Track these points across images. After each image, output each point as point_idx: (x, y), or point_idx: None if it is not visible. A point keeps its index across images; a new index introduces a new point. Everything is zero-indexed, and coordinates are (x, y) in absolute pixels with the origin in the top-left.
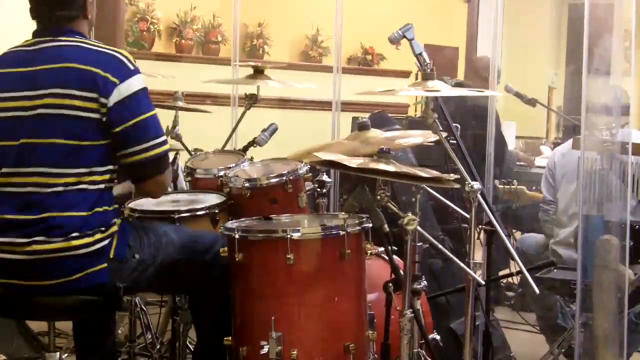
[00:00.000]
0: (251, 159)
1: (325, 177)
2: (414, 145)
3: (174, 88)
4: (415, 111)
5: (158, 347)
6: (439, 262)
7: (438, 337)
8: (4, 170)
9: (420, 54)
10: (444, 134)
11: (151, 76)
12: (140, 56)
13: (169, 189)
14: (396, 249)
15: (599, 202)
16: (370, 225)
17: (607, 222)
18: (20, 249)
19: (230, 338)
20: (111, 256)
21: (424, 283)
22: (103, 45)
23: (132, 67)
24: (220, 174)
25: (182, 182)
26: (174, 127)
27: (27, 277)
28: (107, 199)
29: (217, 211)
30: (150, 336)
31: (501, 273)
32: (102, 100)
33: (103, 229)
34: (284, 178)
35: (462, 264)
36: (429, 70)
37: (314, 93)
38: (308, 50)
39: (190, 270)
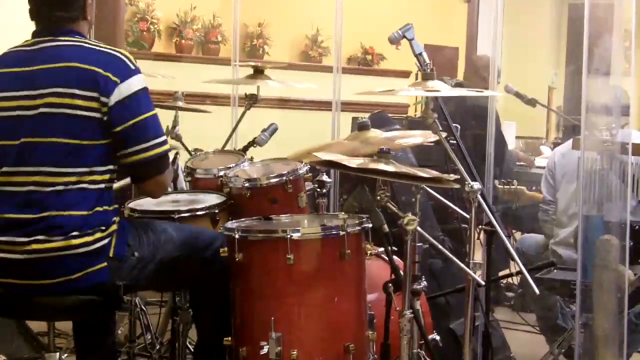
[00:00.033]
0: (251, 159)
1: (325, 177)
2: (414, 146)
3: (174, 88)
4: (415, 111)
5: (158, 347)
6: (438, 263)
7: (438, 338)
8: (4, 169)
9: (420, 54)
10: (444, 134)
11: (151, 76)
12: (140, 56)
13: (169, 189)
14: (396, 249)
15: (599, 202)
16: (370, 225)
17: (607, 222)
18: (20, 248)
19: (230, 338)
20: (111, 255)
21: (424, 283)
22: (103, 45)
23: (132, 67)
24: (220, 174)
25: (182, 182)
26: (174, 127)
27: (27, 276)
28: (107, 198)
29: (217, 211)
30: (150, 336)
31: (501, 273)
32: (103, 99)
33: (103, 228)
34: (284, 178)
35: (462, 264)
36: (429, 70)
37: (314, 93)
38: (308, 50)
39: (190, 268)
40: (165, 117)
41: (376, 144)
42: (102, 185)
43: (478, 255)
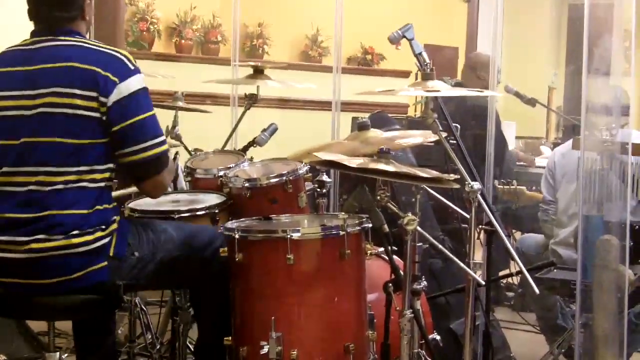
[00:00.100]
0: (251, 159)
1: (325, 177)
2: (413, 145)
3: (173, 88)
4: (415, 111)
5: (158, 347)
6: (438, 262)
7: (438, 338)
8: (4, 169)
9: (420, 53)
10: (444, 134)
11: (151, 76)
12: (140, 56)
13: (169, 189)
14: (396, 249)
15: (598, 202)
16: (370, 225)
17: (607, 222)
18: (20, 247)
19: (230, 338)
20: (111, 254)
21: (424, 283)
22: (103, 45)
23: (132, 67)
24: (220, 174)
25: (182, 182)
26: (173, 127)
27: (28, 275)
28: (107, 197)
29: (217, 211)
30: (150, 336)
31: (501, 273)
32: (102, 99)
33: (103, 227)
34: (284, 178)
35: (462, 264)
36: (428, 70)
37: (314, 93)
38: (308, 50)
39: (189, 267)
40: (165, 117)
41: (376, 144)
42: (102, 184)
43: (478, 255)
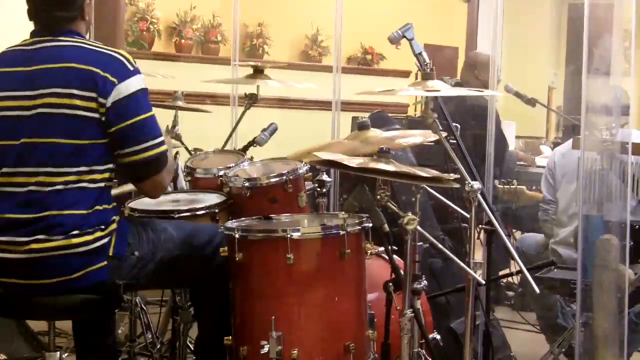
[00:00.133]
0: (251, 158)
1: (325, 177)
2: (413, 145)
3: (173, 88)
4: (415, 111)
5: (158, 346)
6: (439, 262)
7: (438, 337)
8: (4, 170)
9: (420, 53)
10: (444, 134)
11: (151, 76)
12: (140, 56)
13: (169, 189)
14: (396, 248)
15: (598, 202)
16: (370, 224)
17: (607, 222)
18: (20, 247)
19: (230, 338)
20: (111, 254)
21: (424, 283)
22: (102, 46)
23: (131, 68)
24: (220, 174)
25: (182, 182)
26: (173, 126)
27: (28, 276)
28: (106, 197)
29: (217, 211)
30: (150, 336)
31: (501, 273)
32: (101, 100)
33: (103, 227)
34: (284, 178)
35: (462, 264)
36: (428, 70)
37: (314, 93)
38: (308, 50)
39: (190, 266)
40: (165, 117)
41: (376, 143)
42: (102, 184)
43: (478, 255)
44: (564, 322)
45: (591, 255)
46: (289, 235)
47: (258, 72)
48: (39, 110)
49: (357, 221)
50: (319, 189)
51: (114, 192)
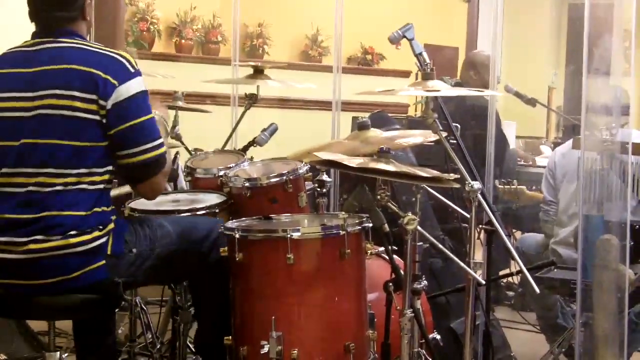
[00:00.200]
0: (251, 158)
1: (325, 177)
2: (414, 145)
3: (173, 88)
4: (415, 111)
5: (158, 346)
6: (439, 262)
7: (438, 337)
8: (4, 170)
9: (420, 53)
10: (444, 134)
11: (151, 76)
12: (140, 56)
13: (169, 189)
14: (396, 248)
15: (599, 202)
16: (371, 224)
17: (607, 222)
18: (19, 248)
19: (230, 338)
20: (109, 252)
21: (424, 283)
22: (104, 47)
23: (132, 70)
24: (220, 174)
25: (182, 182)
26: (174, 127)
27: (26, 276)
28: (105, 199)
29: (217, 211)
30: (150, 336)
31: (501, 273)
32: (102, 102)
33: (101, 227)
34: (284, 178)
35: (462, 264)
36: (429, 70)
37: (314, 93)
38: (308, 50)
39: (187, 260)
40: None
41: (376, 143)
42: (101, 186)
43: (478, 255)
44: (564, 322)
45: (591, 255)
46: (289, 235)
47: (258, 72)
48: (40, 111)
49: (357, 221)
50: (319, 189)
51: (113, 193)
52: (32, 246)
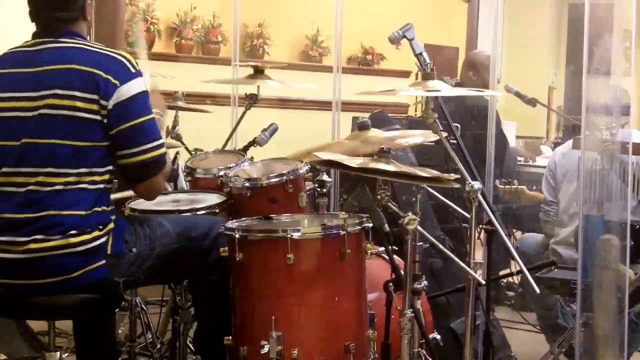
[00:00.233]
0: (251, 158)
1: (325, 177)
2: (414, 145)
3: (174, 88)
4: (415, 111)
5: (158, 346)
6: (439, 262)
7: (438, 337)
8: (4, 170)
9: (421, 53)
10: (444, 134)
11: (151, 76)
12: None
13: (169, 189)
14: (396, 248)
15: (599, 202)
16: (371, 224)
17: (608, 222)
18: (19, 247)
19: (230, 338)
20: (109, 252)
21: (424, 283)
22: (104, 48)
23: (133, 70)
24: (220, 174)
25: (182, 182)
26: (174, 127)
27: (26, 276)
28: (105, 199)
29: (217, 211)
30: (150, 336)
31: (501, 273)
32: (103, 102)
33: (101, 227)
34: (284, 178)
35: (462, 264)
36: (429, 70)
37: (314, 93)
38: (308, 50)
39: (187, 259)
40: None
41: (376, 143)
42: (102, 186)
43: (478, 255)
44: (564, 322)
45: (591, 255)
46: (289, 235)
47: (258, 73)
48: (40, 111)
49: (357, 221)
50: (319, 189)
51: (114, 196)
52: (32, 246)
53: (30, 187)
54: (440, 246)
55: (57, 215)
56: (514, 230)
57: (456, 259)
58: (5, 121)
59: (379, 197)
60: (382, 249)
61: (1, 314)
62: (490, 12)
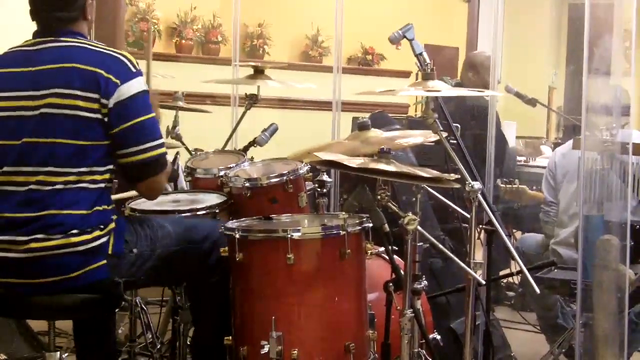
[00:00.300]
0: (251, 158)
1: (325, 177)
2: (414, 145)
3: (174, 88)
4: (416, 111)
5: (158, 346)
6: (439, 262)
7: (438, 337)
8: (5, 169)
9: (421, 54)
10: (444, 134)
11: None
12: (140, 56)
13: (169, 189)
14: (396, 248)
15: (599, 202)
16: (371, 225)
17: (608, 222)
18: (19, 247)
19: (230, 338)
20: (110, 252)
21: (424, 283)
22: (105, 47)
23: (134, 70)
24: (220, 174)
25: (183, 182)
26: (174, 127)
27: (27, 275)
28: (106, 198)
29: (217, 211)
30: (150, 336)
31: (501, 273)
32: (103, 101)
33: (102, 226)
34: (284, 178)
35: (462, 264)
36: (429, 70)
37: (314, 93)
38: (308, 50)
39: (188, 261)
40: (165, 117)
41: (376, 143)
42: (102, 185)
43: (478, 255)
44: (564, 322)
45: (591, 255)
46: (289, 235)
47: (258, 73)
48: (41, 110)
49: (357, 221)
50: (319, 189)
51: (115, 197)
52: (33, 245)
53: (31, 186)
54: (440, 246)
55: (57, 214)
56: (514, 231)
57: (456, 259)
58: (6, 120)
59: (379, 197)
60: (382, 249)
61: (1, 314)
62: (490, 12)
